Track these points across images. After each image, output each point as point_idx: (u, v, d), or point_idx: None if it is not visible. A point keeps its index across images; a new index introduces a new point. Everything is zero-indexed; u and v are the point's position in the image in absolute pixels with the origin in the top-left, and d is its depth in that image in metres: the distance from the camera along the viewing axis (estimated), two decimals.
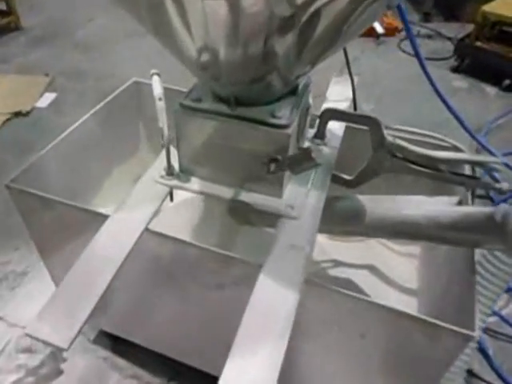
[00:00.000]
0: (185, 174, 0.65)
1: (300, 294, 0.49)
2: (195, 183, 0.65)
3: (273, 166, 0.58)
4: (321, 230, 0.64)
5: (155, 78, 0.71)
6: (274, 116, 0.56)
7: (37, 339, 0.46)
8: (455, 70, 2.21)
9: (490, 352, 1.01)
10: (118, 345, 0.97)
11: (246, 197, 0.63)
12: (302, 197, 0.63)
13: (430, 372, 0.65)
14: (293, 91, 0.60)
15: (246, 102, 0.57)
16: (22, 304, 1.07)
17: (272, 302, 0.49)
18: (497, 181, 0.91)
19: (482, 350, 1.01)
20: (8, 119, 1.59)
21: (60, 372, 0.94)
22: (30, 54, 2.14)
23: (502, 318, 1.06)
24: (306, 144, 0.74)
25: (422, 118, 1.79)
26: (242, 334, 0.45)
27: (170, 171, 0.65)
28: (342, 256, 0.91)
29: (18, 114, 1.62)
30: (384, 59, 2.31)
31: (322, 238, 0.96)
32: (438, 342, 0.59)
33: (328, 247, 0.92)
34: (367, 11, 0.48)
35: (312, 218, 0.60)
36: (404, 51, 2.41)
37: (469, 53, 2.14)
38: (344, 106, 0.85)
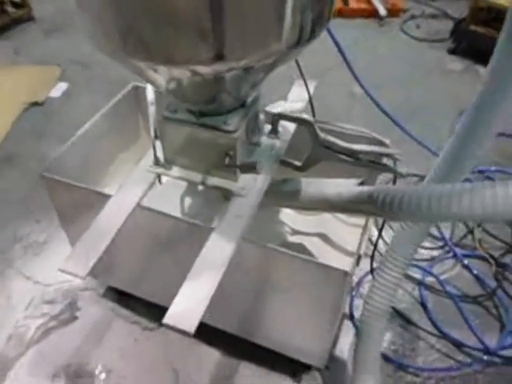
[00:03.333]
0: (168, 163, 0.95)
1: (236, 246, 0.79)
2: (175, 171, 0.94)
3: (227, 159, 0.87)
4: (272, 204, 0.94)
5: (148, 85, 1.01)
6: (225, 123, 0.85)
7: (66, 272, 0.77)
8: (452, 51, 2.42)
9: (429, 305, 1.31)
10: (122, 298, 1.31)
11: (211, 180, 0.92)
12: (251, 181, 0.92)
13: (331, 301, 0.93)
14: (242, 104, 0.89)
15: (208, 114, 0.86)
16: (44, 266, 1.41)
17: (216, 250, 0.79)
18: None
19: (423, 304, 1.31)
20: (25, 109, 1.93)
21: (75, 318, 1.29)
22: (43, 44, 2.45)
23: (439, 281, 1.36)
24: (263, 138, 1.02)
25: (412, 102, 2.02)
26: (193, 271, 0.76)
27: (156, 162, 0.95)
28: (300, 226, 1.20)
29: (34, 104, 1.96)
30: (384, 42, 2.53)
31: (290, 211, 1.25)
32: (329, 276, 0.88)
33: (290, 219, 1.23)
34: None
35: (256, 197, 0.89)
36: (406, 33, 2.61)
37: (464, 36, 2.35)
38: (300, 105, 1.13)
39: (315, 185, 0.96)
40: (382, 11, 2.64)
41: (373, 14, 2.68)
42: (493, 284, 1.35)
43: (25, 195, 1.61)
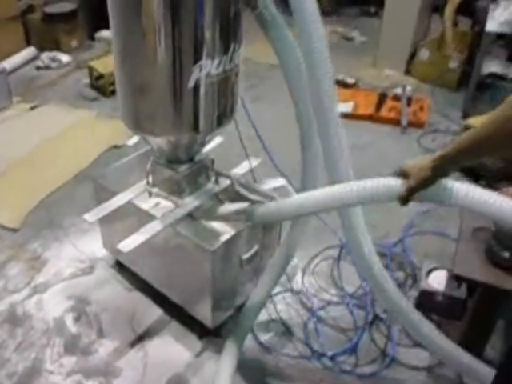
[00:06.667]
0: (153, 185, 2.09)
1: (164, 226, 1.87)
2: (155, 190, 2.08)
3: (176, 187, 1.99)
4: (205, 218, 2.01)
5: None
6: (178, 167, 1.97)
7: (85, 219, 1.92)
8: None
9: (309, 326, 2.18)
10: (121, 269, 2.43)
11: (171, 197, 2.03)
12: (189, 201, 2.00)
13: (204, 271, 1.90)
14: (191, 160, 2.01)
15: (172, 162, 1.99)
16: (85, 242, 2.61)
17: (154, 225, 1.88)
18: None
19: (305, 324, 2.19)
20: (107, 149, 3.30)
21: (91, 273, 2.43)
22: None
23: (314, 314, 2.24)
24: (209, 183, 2.11)
25: None
26: (140, 231, 1.85)
27: (147, 183, 2.09)
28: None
29: (115, 147, 3.32)
30: (395, 147, 3.46)
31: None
32: (199, 250, 1.88)
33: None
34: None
35: (187, 208, 1.97)
36: (419, 143, 3.53)
37: None
38: (242, 171, 2.20)
39: (223, 207, 2.00)
40: (404, 122, 3.62)
41: (399, 123, 3.67)
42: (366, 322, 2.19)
43: (88, 202, 2.87)
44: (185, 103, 1.73)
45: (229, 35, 1.65)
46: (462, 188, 1.24)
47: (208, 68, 1.64)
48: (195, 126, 1.80)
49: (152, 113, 1.79)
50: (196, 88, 1.67)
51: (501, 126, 1.02)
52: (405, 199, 1.25)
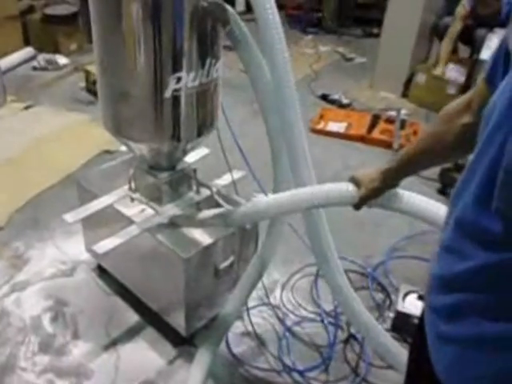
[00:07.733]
0: (135, 190, 2.19)
1: (141, 231, 1.97)
2: (137, 195, 2.18)
3: (157, 193, 2.09)
4: (185, 224, 2.10)
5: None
6: (159, 175, 2.08)
7: (65, 219, 2.02)
8: (441, 192, 3.39)
9: (283, 341, 2.27)
10: (101, 273, 2.52)
11: (151, 203, 2.13)
12: (168, 208, 2.11)
13: (177, 279, 1.99)
14: (173, 168, 2.12)
15: (155, 168, 2.10)
16: (68, 245, 2.71)
17: (132, 229, 1.98)
18: None
19: (279, 338, 2.27)
20: (99, 154, 3.41)
21: (72, 275, 2.52)
22: None
23: (288, 328, 2.32)
24: (190, 192, 2.21)
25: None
26: (118, 234, 1.95)
27: (130, 188, 2.19)
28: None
29: (106, 152, 3.43)
30: None
31: None
32: (174, 257, 1.96)
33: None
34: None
35: (165, 215, 2.06)
36: None
37: (448, 180, 3.32)
38: (223, 183, 2.30)
39: (200, 213, 2.09)
40: (395, 145, 3.74)
41: (391, 145, 3.79)
42: (335, 341, 2.28)
43: (73, 205, 2.98)
44: (164, 112, 1.87)
45: (205, 50, 1.79)
46: (404, 194, 1.45)
47: (184, 80, 1.78)
48: (175, 135, 1.93)
49: (132, 120, 1.92)
50: (174, 98, 1.81)
51: (432, 140, 1.19)
52: (358, 206, 1.43)
